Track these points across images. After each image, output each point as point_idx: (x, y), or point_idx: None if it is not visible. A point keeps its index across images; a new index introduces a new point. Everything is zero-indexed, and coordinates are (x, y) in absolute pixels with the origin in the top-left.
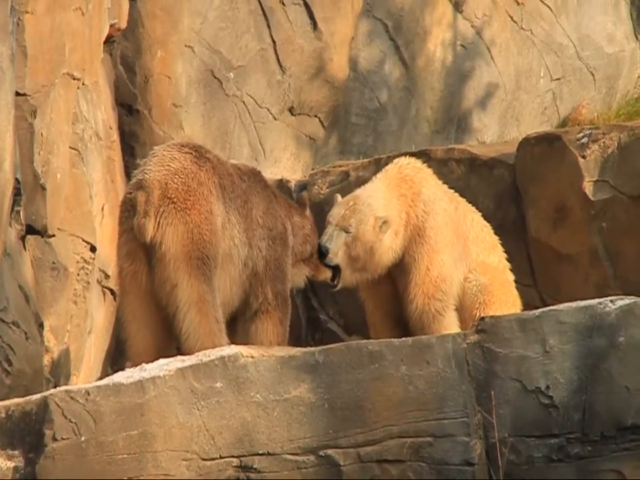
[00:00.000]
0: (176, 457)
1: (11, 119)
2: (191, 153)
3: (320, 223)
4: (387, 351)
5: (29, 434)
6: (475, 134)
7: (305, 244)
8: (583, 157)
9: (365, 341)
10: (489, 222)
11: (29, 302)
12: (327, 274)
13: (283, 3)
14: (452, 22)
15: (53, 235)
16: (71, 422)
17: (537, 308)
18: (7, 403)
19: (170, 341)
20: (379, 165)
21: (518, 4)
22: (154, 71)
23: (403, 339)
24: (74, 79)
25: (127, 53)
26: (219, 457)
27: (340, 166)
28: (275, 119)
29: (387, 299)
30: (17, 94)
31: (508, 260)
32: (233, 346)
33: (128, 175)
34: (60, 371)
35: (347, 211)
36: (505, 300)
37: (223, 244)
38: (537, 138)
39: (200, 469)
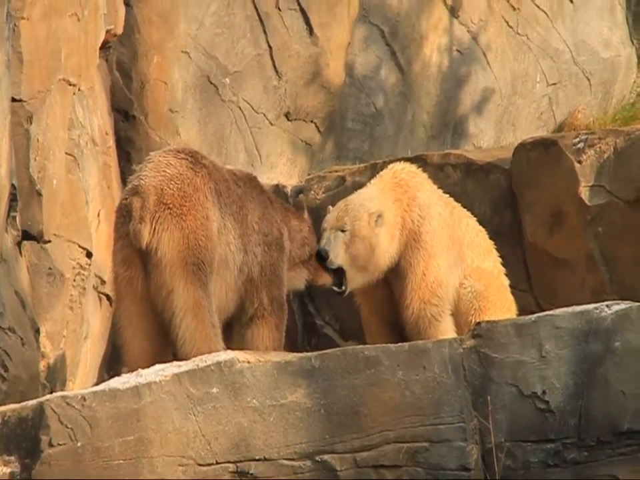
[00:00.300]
0: (172, 463)
1: (6, 125)
2: (187, 159)
3: (316, 228)
4: (383, 356)
5: (25, 439)
6: (471, 139)
7: (304, 247)
8: (579, 161)
9: (361, 346)
10: (485, 227)
11: (25, 308)
12: (326, 278)
13: (279, 9)
14: (448, 27)
15: (49, 241)
16: (67, 427)
17: (533, 313)
18: (3, 408)
19: (166, 347)
20: (375, 170)
21: (514, 9)
22: (150, 77)
23: (399, 344)
24: (70, 85)
25: (123, 59)
26: (215, 462)
27: (336, 171)
28: (271, 124)
29: (382, 304)
30: (13, 100)
31: (503, 265)
32: (229, 351)
33: (124, 180)
34: (56, 376)
35: (340, 212)
36: (500, 305)
37: (219, 249)
38: (533, 143)
39: (196, 475)
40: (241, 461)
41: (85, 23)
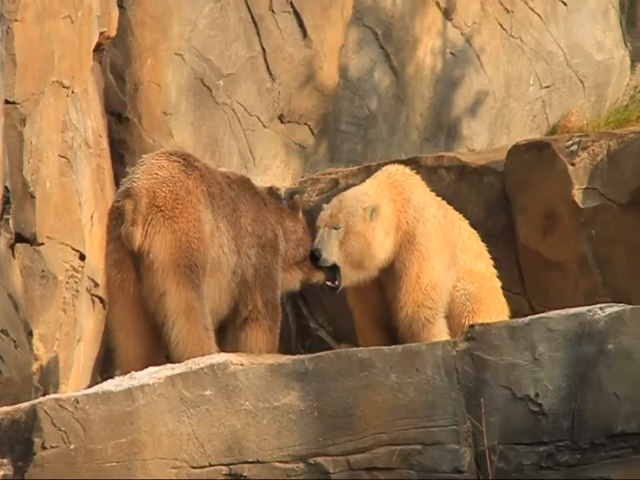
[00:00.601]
0: (165, 465)
1: (0, 127)
2: (179, 162)
3: (310, 230)
4: (377, 359)
5: (17, 442)
6: (465, 141)
7: (298, 247)
8: (572, 164)
9: (355, 348)
10: (478, 229)
11: (18, 310)
12: (319, 275)
13: (273, 11)
14: (441, 30)
15: (42, 243)
16: (60, 430)
17: (526, 315)
18: None
19: (159, 349)
20: (368, 173)
21: (507, 12)
22: (143, 79)
23: (393, 346)
24: (63, 87)
25: (116, 61)
26: (208, 464)
27: (330, 173)
28: (265, 126)
29: (375, 307)
30: (7, 102)
31: (496, 267)
32: (222, 354)
33: (117, 183)
34: (49, 379)
35: (334, 209)
36: (493, 308)
37: (212, 252)
38: (527, 145)
39: (189, 477)
40: (234, 464)
41: (78, 25)
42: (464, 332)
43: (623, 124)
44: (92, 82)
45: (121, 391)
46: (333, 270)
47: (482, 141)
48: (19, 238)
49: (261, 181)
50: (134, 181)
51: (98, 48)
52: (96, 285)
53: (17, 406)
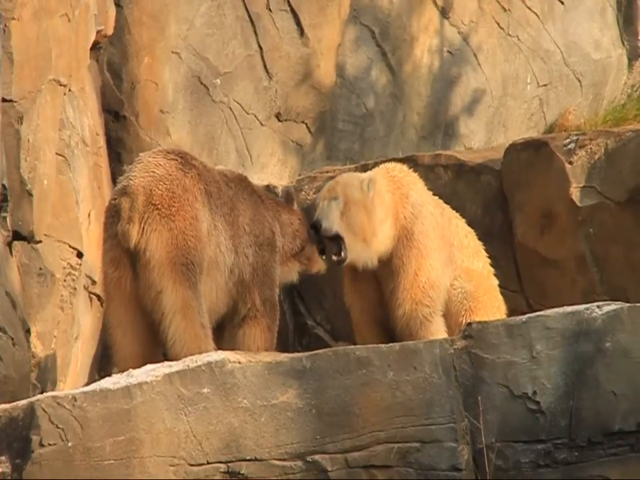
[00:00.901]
0: (163, 463)
1: None
2: (177, 160)
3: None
4: (374, 357)
5: (15, 440)
6: (462, 140)
7: (295, 239)
8: (570, 162)
9: (353, 346)
10: (475, 228)
11: (16, 308)
12: (320, 264)
13: (270, 10)
14: (439, 28)
15: (40, 241)
16: (58, 428)
17: (523, 314)
18: None
19: (156, 347)
20: (365, 171)
21: (505, 10)
22: (141, 77)
23: (390, 344)
24: (60, 85)
25: (113, 59)
26: (206, 462)
27: (327, 172)
28: (262, 125)
29: (373, 305)
30: (4, 100)
31: (493, 265)
32: (220, 351)
33: (114, 181)
34: (47, 376)
35: (332, 183)
36: (490, 305)
37: (209, 250)
38: (524, 144)
39: (187, 475)
40: (231, 461)
41: (75, 23)
42: (461, 330)
43: (621, 122)
44: (89, 80)
45: (118, 389)
46: (337, 242)
47: (479, 140)
48: (17, 236)
49: (258, 179)
50: (131, 179)
51: (95, 46)
52: (93, 282)
53: (15, 404)
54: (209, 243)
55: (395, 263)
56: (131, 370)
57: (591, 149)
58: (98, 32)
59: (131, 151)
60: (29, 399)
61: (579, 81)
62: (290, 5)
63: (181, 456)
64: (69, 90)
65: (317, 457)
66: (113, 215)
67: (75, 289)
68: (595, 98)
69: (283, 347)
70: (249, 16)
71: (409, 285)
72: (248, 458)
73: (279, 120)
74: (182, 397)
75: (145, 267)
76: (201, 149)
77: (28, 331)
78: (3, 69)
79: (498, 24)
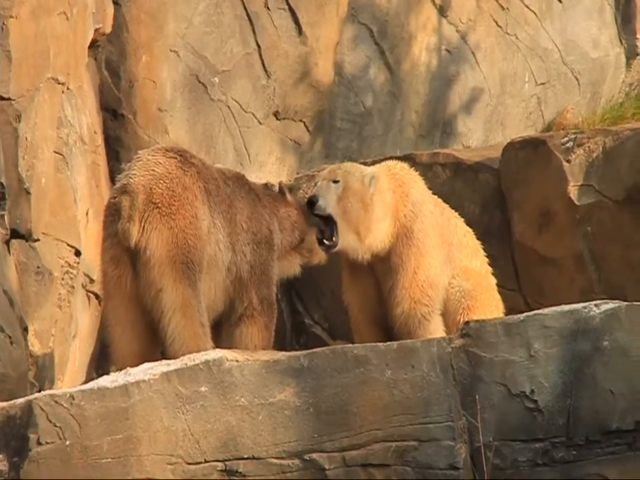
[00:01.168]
0: (161, 461)
1: None
2: (176, 158)
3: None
4: (372, 355)
5: (13, 438)
6: (460, 138)
7: (294, 232)
8: (568, 161)
9: (350, 345)
10: (473, 226)
11: (14, 306)
12: (320, 256)
13: (268, 8)
14: (437, 26)
15: (38, 240)
16: (56, 426)
17: (521, 312)
18: None
19: (154, 345)
20: None
21: (503, 9)
22: (139, 76)
23: (388, 343)
24: (58, 84)
25: (111, 58)
26: (203, 461)
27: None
28: (260, 123)
29: (371, 303)
30: (2, 98)
31: (491, 264)
32: (217, 350)
33: (113, 179)
34: (44, 375)
35: (334, 167)
36: (487, 304)
37: (208, 249)
38: (522, 142)
39: (185, 473)
40: (229, 460)
41: (73, 21)
42: (459, 329)
43: (619, 121)
44: (87, 78)
45: (116, 387)
46: (331, 227)
47: (477, 138)
48: (15, 234)
49: (256, 177)
50: (130, 177)
51: (93, 44)
52: (91, 281)
53: (13, 402)
54: (208, 241)
55: (393, 261)
56: (128, 368)
57: (588, 147)
58: (96, 30)
59: (129, 149)
60: (26, 398)
61: (577, 79)
62: (288, 4)
63: (179, 454)
64: (67, 88)
65: (314, 455)
66: (112, 214)
67: (73, 287)
68: (592, 96)
69: (280, 345)
70: (247, 14)
71: (407, 284)
72: (245, 456)
73: (277, 118)
74: (180, 395)
75: (145, 266)
76: (199, 147)
77: (26, 330)
78: (1, 67)
79: (496, 22)
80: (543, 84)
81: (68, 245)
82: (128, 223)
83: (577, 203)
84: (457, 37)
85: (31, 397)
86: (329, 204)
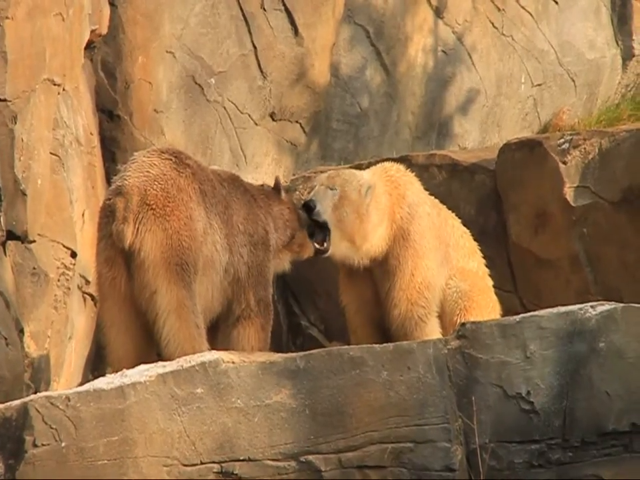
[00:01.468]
0: (157, 463)
1: None
2: (171, 159)
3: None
4: (368, 357)
5: (9, 440)
6: (456, 140)
7: (286, 230)
8: (564, 162)
9: (346, 346)
10: (470, 228)
11: (9, 307)
12: (310, 250)
13: (264, 9)
14: (433, 28)
15: (34, 241)
16: (52, 428)
17: (517, 314)
18: None
19: (150, 347)
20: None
21: (499, 10)
22: (135, 77)
23: (384, 344)
24: (54, 85)
25: (107, 59)
26: (199, 462)
27: (321, 171)
28: (256, 124)
29: (368, 304)
30: None
31: (487, 266)
32: (213, 352)
33: (109, 180)
34: (40, 376)
35: (332, 173)
36: (484, 305)
37: (205, 249)
38: (518, 144)
39: (181, 475)
40: (225, 462)
41: (69, 22)
42: (455, 330)
43: (615, 122)
44: (83, 80)
45: (112, 389)
46: (324, 232)
47: (473, 139)
48: (10, 235)
49: (252, 178)
50: (125, 179)
51: (89, 46)
52: (87, 282)
53: (8, 404)
54: (204, 242)
55: (390, 263)
56: (124, 370)
57: (585, 148)
58: (92, 31)
59: (125, 150)
60: (22, 399)
61: (573, 80)
62: (284, 5)
63: (175, 456)
64: (63, 89)
65: (310, 457)
66: (107, 215)
67: (69, 288)
68: (589, 98)
69: (276, 347)
70: (244, 15)
71: (404, 285)
72: (241, 458)
73: (273, 119)
74: (175, 397)
75: (140, 267)
76: (195, 148)
77: (21, 331)
78: None
79: (492, 23)
80: (539, 85)
81: (64, 246)
82: (122, 224)
83: (572, 204)
84: (453, 38)
85: (26, 399)
86: (325, 211)
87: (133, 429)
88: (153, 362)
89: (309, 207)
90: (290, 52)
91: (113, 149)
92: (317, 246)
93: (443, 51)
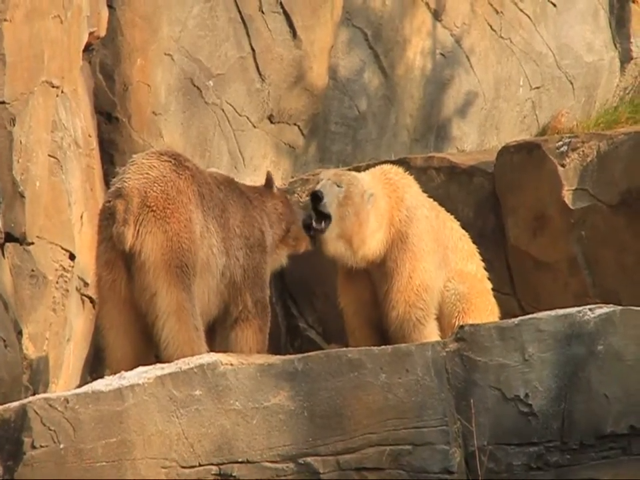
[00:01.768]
0: (155, 465)
1: None
2: (170, 161)
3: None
4: (367, 359)
5: (7, 442)
6: (455, 142)
7: (281, 224)
8: (562, 165)
9: (345, 349)
10: (468, 230)
11: (8, 310)
12: (306, 243)
13: (263, 12)
14: (431, 30)
15: (32, 243)
16: (50, 430)
17: (516, 316)
18: None
19: (149, 349)
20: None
21: (497, 12)
22: (133, 79)
23: (383, 347)
24: (53, 87)
25: (106, 61)
26: (198, 464)
27: (319, 174)
28: (255, 127)
29: (366, 306)
30: None
31: (486, 268)
32: (212, 354)
33: (107, 183)
34: (39, 378)
35: (339, 172)
36: (483, 308)
37: (202, 252)
38: (516, 146)
39: (179, 477)
40: (223, 464)
41: (67, 25)
42: (454, 333)
43: (613, 125)
44: (81, 82)
45: (110, 391)
46: (326, 219)
47: (472, 142)
48: (9, 237)
49: (250, 181)
50: (125, 181)
51: (87, 48)
52: (85, 284)
53: (7, 405)
54: (202, 245)
55: (389, 265)
56: (123, 372)
57: (583, 151)
58: (90, 33)
59: (124, 152)
60: (20, 401)
61: (572, 83)
62: (282, 7)
63: (173, 458)
64: (62, 92)
65: (308, 459)
66: (107, 217)
67: (67, 290)
68: (587, 100)
69: (275, 349)
70: (242, 18)
71: (402, 288)
72: (240, 460)
73: (272, 122)
74: (174, 399)
75: (140, 269)
76: (193, 150)
77: (20, 333)
78: None
79: (490, 26)
80: (537, 88)
81: (62, 248)
82: (122, 226)
83: (571, 207)
84: (452, 40)
85: (25, 401)
86: (331, 204)
87: (132, 431)
88: (151, 364)
89: (316, 197)
90: (288, 54)
91: (111, 151)
92: (315, 225)
93: (441, 54)
